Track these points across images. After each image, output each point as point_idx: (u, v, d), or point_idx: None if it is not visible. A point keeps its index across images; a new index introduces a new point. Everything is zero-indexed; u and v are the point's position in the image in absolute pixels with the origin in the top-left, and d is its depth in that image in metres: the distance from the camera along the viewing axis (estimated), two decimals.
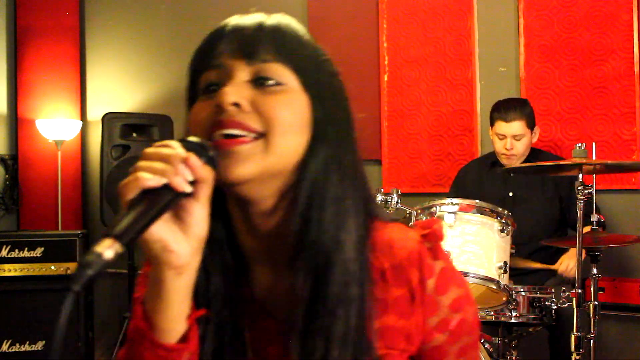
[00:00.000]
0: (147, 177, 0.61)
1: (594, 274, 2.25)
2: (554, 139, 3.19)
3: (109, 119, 3.90)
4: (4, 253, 3.67)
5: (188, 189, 0.63)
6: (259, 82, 0.72)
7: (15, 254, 3.70)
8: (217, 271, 0.76)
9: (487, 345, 2.54)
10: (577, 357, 2.20)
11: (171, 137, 3.98)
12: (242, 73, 0.72)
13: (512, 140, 2.71)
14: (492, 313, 2.48)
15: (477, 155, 3.22)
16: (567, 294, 2.30)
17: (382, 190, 2.32)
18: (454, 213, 2.24)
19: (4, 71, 4.72)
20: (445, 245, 2.20)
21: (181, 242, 0.65)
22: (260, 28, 0.74)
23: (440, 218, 2.23)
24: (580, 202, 2.15)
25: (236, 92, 0.70)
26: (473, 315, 0.81)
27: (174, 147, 0.64)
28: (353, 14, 3.73)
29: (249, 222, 0.76)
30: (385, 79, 3.58)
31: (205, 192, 0.65)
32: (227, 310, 0.77)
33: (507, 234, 2.24)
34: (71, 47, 4.76)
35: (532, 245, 2.67)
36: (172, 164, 0.62)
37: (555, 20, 3.19)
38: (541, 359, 2.78)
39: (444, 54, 3.45)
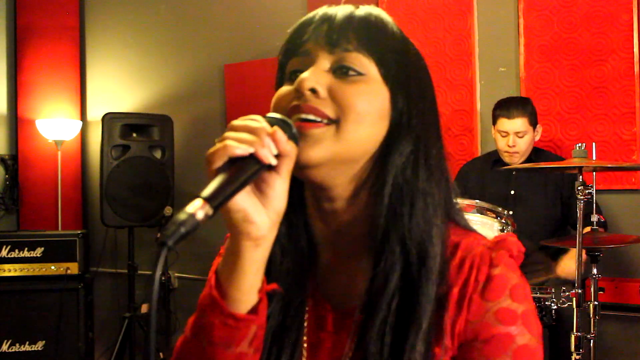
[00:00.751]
0: (236, 146, 0.63)
1: (594, 274, 2.25)
2: (554, 139, 3.19)
3: (109, 119, 3.92)
4: (4, 253, 3.72)
5: (273, 161, 0.65)
6: (339, 70, 0.73)
7: (15, 254, 3.75)
8: (291, 252, 0.79)
9: None
10: (577, 357, 2.19)
11: (171, 137, 3.67)
12: (324, 61, 0.74)
13: (514, 138, 2.73)
14: None
15: (477, 155, 3.22)
16: (567, 294, 2.29)
17: None
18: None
19: (4, 71, 4.74)
20: None
21: (261, 213, 0.67)
22: (347, 18, 0.75)
23: None
24: (581, 202, 2.15)
25: (314, 78, 0.71)
26: (525, 340, 0.72)
27: (260, 121, 0.67)
28: None
29: (320, 209, 0.78)
30: None
31: (287, 167, 0.67)
32: (295, 291, 0.78)
33: (507, 232, 2.23)
34: (71, 47, 4.77)
35: (533, 242, 2.67)
36: (259, 136, 0.64)
37: (555, 20, 3.19)
38: None
39: (444, 54, 3.45)
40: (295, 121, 0.71)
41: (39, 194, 4.58)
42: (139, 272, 4.06)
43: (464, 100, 3.40)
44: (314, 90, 0.71)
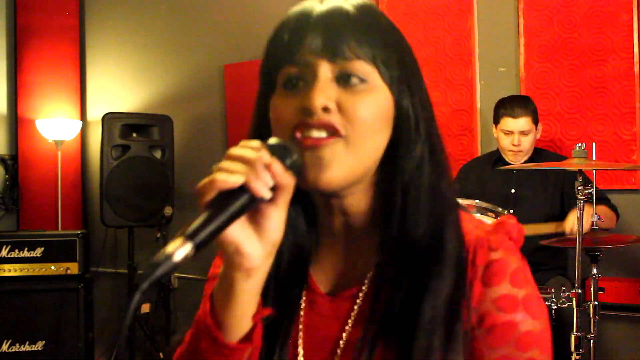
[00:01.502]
0: (224, 179, 0.61)
1: (594, 274, 2.25)
2: (554, 139, 3.20)
3: (109, 119, 3.92)
4: (4, 253, 3.70)
5: (267, 194, 0.62)
6: (342, 80, 0.70)
7: (15, 254, 3.73)
8: (289, 248, 0.76)
9: None
10: (577, 357, 2.20)
11: (171, 137, 3.67)
12: (326, 71, 0.70)
13: (519, 136, 2.75)
14: None
15: (477, 155, 3.23)
16: (567, 294, 2.29)
17: None
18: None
19: (4, 71, 4.73)
20: None
21: (255, 245, 0.65)
22: (344, 21, 0.72)
23: None
24: (581, 202, 2.15)
25: (325, 94, 0.69)
26: (527, 326, 0.71)
27: (258, 150, 0.63)
28: None
29: (328, 204, 0.77)
30: None
31: (284, 199, 0.65)
32: (293, 280, 0.78)
33: None
34: (71, 47, 4.76)
35: (533, 243, 2.66)
36: (254, 168, 0.62)
37: (555, 20, 3.19)
38: None
39: (444, 54, 3.45)
40: (304, 138, 0.69)
41: (39, 194, 4.57)
42: (139, 272, 4.02)
43: (464, 100, 3.40)
44: (326, 109, 0.69)
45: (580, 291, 2.17)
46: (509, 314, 0.70)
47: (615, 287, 3.02)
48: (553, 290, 2.38)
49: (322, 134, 0.69)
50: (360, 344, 0.72)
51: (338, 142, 0.69)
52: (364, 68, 0.71)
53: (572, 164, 2.25)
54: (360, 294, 0.75)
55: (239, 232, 0.64)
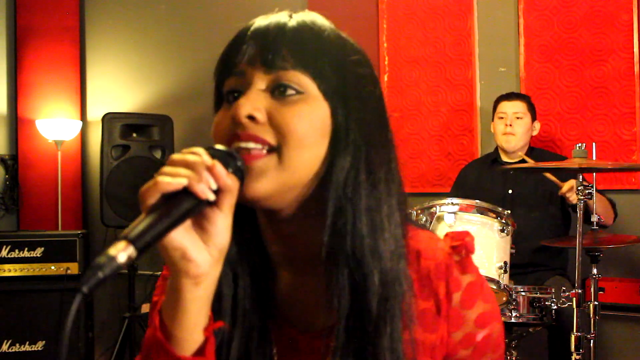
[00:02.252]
0: (167, 181, 0.60)
1: (594, 274, 2.25)
2: (554, 139, 3.20)
3: (109, 119, 3.91)
4: (4, 253, 3.67)
5: (211, 197, 0.62)
6: (277, 90, 0.69)
7: (15, 254, 3.71)
8: (246, 274, 0.75)
9: None
10: (577, 357, 2.19)
11: (171, 137, 3.64)
12: (260, 81, 0.69)
13: (512, 118, 2.81)
14: None
15: (477, 156, 3.25)
16: (567, 294, 2.30)
17: None
18: (454, 213, 2.25)
19: (4, 71, 4.70)
20: None
21: (201, 251, 0.64)
22: (280, 32, 0.71)
23: (440, 218, 2.24)
24: (581, 202, 2.15)
25: (251, 103, 0.68)
26: (499, 332, 0.79)
27: (201, 154, 0.63)
28: (353, 14, 3.72)
29: (273, 229, 0.75)
30: (385, 79, 3.58)
31: (228, 202, 0.64)
32: (255, 317, 0.75)
33: (507, 234, 2.25)
34: (71, 47, 4.73)
35: (532, 242, 2.68)
36: (196, 171, 0.61)
37: (555, 20, 3.19)
38: (541, 359, 2.77)
39: (444, 54, 3.45)
40: (237, 150, 0.68)
41: (39, 194, 4.55)
42: (139, 272, 4.03)
43: (464, 100, 3.41)
44: (251, 117, 0.67)
45: (580, 291, 2.15)
46: (486, 328, 0.77)
47: (615, 287, 3.02)
48: (553, 290, 2.39)
49: (250, 145, 0.68)
50: None
51: (272, 158, 0.68)
52: (299, 79, 0.69)
53: (572, 164, 2.25)
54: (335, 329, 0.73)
55: (184, 238, 0.63)
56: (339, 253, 0.70)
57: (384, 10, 3.61)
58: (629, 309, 2.85)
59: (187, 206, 0.60)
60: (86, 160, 4.72)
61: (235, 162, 0.65)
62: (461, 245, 0.74)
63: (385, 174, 0.73)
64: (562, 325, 2.32)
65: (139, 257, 0.58)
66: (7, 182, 4.53)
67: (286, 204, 0.71)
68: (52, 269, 3.72)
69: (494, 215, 2.27)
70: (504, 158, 2.89)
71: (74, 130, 4.42)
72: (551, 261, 2.71)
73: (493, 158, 2.94)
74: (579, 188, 2.16)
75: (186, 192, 0.61)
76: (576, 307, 2.13)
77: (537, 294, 2.42)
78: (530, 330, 2.55)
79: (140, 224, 0.59)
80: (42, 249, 3.72)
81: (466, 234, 0.76)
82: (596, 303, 2.23)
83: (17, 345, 3.66)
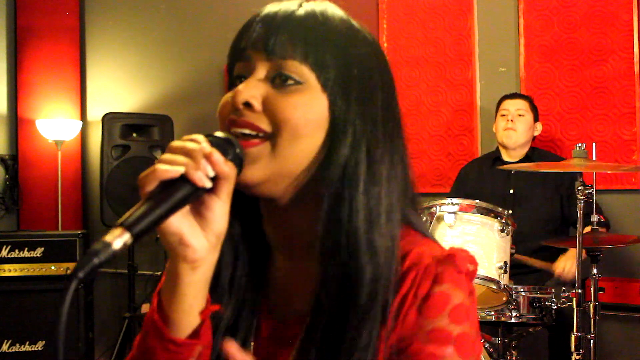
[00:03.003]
0: (165, 169, 0.61)
1: (594, 274, 2.26)
2: (554, 139, 3.20)
3: (109, 119, 3.92)
4: (4, 253, 3.67)
5: (208, 184, 0.63)
6: (277, 79, 0.70)
7: (15, 254, 3.71)
8: (245, 255, 0.77)
9: (487, 345, 2.54)
10: (577, 357, 2.18)
11: (171, 137, 3.63)
12: (262, 69, 0.70)
13: (514, 115, 2.86)
14: (493, 313, 2.46)
15: (477, 155, 3.25)
16: (567, 294, 2.30)
17: None
18: (454, 213, 2.25)
19: (4, 71, 4.70)
20: (445, 245, 2.21)
21: (199, 236, 0.65)
22: (286, 19, 0.71)
23: (440, 218, 2.24)
24: (581, 202, 2.16)
25: (249, 91, 0.69)
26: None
27: (199, 142, 0.64)
28: (353, 14, 3.72)
29: (270, 215, 0.76)
30: None
31: (226, 189, 0.65)
32: (249, 292, 0.77)
33: (507, 234, 2.25)
34: (71, 47, 4.74)
35: (533, 242, 2.70)
36: (193, 158, 0.62)
37: (555, 20, 3.19)
38: (541, 359, 2.78)
39: (444, 54, 3.45)
40: (235, 135, 0.70)
41: (39, 194, 4.56)
42: (139, 272, 4.04)
43: (464, 100, 3.40)
44: (248, 104, 0.69)
45: (580, 291, 2.15)
46: (438, 346, 0.68)
47: (615, 287, 3.02)
48: (553, 290, 2.40)
49: (245, 132, 0.69)
50: None
51: (266, 146, 0.69)
52: (298, 69, 0.70)
53: (572, 165, 2.26)
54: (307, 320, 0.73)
55: (181, 223, 0.64)
56: (334, 245, 0.70)
57: (384, 10, 3.62)
58: (629, 309, 2.86)
59: (184, 193, 0.61)
60: (86, 160, 4.73)
61: (234, 149, 0.66)
62: (450, 257, 0.71)
63: (388, 170, 0.72)
64: (562, 325, 2.33)
65: (134, 243, 0.59)
66: (7, 182, 4.53)
67: (280, 192, 0.72)
68: (52, 269, 3.73)
69: (494, 215, 2.27)
70: (505, 157, 2.91)
71: (74, 130, 4.43)
72: (551, 260, 2.72)
73: (494, 157, 2.96)
74: (579, 188, 2.17)
75: (184, 180, 0.61)
76: (576, 307, 2.14)
77: (537, 294, 2.42)
78: (531, 330, 2.56)
79: (137, 211, 0.59)
80: (42, 249, 3.72)
81: (464, 252, 0.73)
82: (596, 303, 2.23)
83: (17, 345, 3.66)
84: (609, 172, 2.75)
